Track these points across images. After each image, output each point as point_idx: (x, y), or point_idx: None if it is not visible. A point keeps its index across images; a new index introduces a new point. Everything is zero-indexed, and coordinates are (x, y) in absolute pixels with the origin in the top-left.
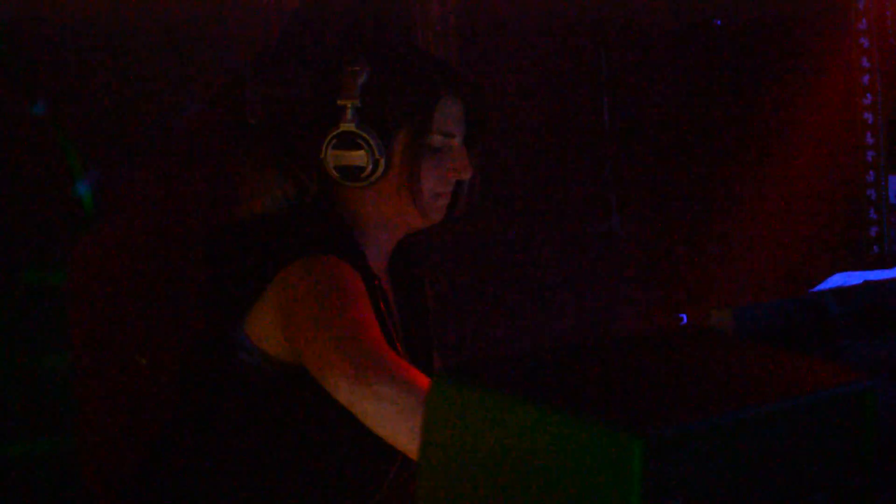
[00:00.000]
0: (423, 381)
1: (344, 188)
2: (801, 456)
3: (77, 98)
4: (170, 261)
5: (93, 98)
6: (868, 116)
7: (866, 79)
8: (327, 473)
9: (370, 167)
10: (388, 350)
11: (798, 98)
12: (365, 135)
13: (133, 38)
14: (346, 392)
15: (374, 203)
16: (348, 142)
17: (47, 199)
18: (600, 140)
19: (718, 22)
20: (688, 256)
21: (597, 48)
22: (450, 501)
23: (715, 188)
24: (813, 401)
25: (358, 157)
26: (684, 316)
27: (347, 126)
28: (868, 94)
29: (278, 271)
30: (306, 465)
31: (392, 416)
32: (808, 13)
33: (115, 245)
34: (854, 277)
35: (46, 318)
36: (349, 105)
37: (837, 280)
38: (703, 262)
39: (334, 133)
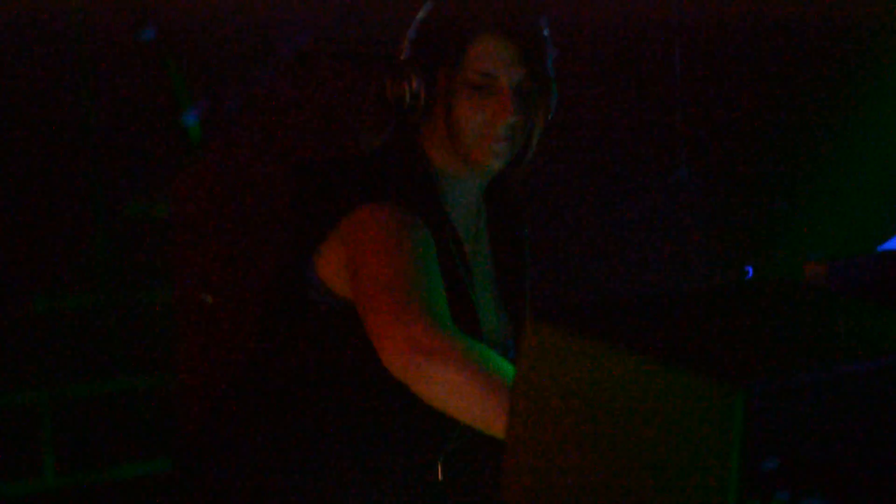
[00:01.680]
0: (479, 357)
1: (420, 132)
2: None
3: (187, 28)
4: (265, 196)
5: (202, 29)
6: None
7: None
8: (394, 417)
9: (409, 99)
10: (445, 326)
11: (868, 55)
12: (409, 67)
13: None
14: (397, 370)
15: (439, 146)
16: (399, 73)
17: (154, 128)
18: (670, 90)
19: None
20: (755, 209)
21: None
22: (542, 445)
23: (783, 141)
24: None
25: (402, 88)
26: (750, 269)
27: (402, 59)
28: None
29: (345, 215)
30: (372, 407)
31: (442, 397)
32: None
33: (217, 178)
34: None
35: (152, 251)
36: (406, 38)
37: None
38: (770, 216)
39: (390, 64)
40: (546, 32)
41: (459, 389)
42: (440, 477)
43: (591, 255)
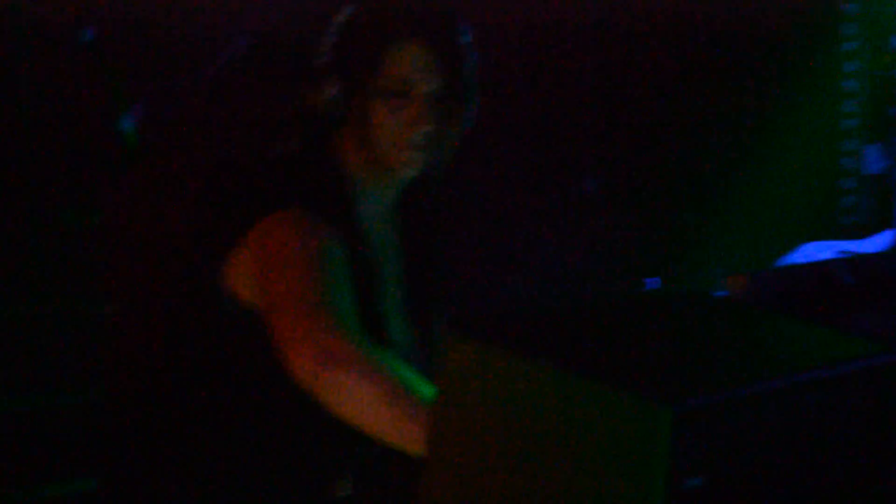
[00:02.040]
0: (388, 368)
1: (332, 136)
2: (827, 432)
3: (125, 29)
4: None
5: (139, 31)
6: (849, 84)
7: (850, 46)
8: (301, 428)
9: (325, 105)
10: (354, 335)
11: (780, 65)
12: (325, 71)
13: None
14: (304, 380)
15: (354, 152)
16: (314, 79)
17: (90, 133)
18: (578, 101)
19: None
20: (661, 220)
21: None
22: (463, 461)
23: (691, 154)
24: (841, 373)
25: (318, 93)
26: (657, 280)
27: (319, 63)
28: (851, 63)
29: (254, 223)
30: (284, 418)
31: (349, 409)
32: None
33: (148, 186)
34: (825, 247)
35: (85, 261)
36: (326, 42)
37: (808, 250)
38: (676, 227)
39: (307, 70)
40: (466, 39)
41: (367, 401)
42: (350, 491)
43: (499, 266)
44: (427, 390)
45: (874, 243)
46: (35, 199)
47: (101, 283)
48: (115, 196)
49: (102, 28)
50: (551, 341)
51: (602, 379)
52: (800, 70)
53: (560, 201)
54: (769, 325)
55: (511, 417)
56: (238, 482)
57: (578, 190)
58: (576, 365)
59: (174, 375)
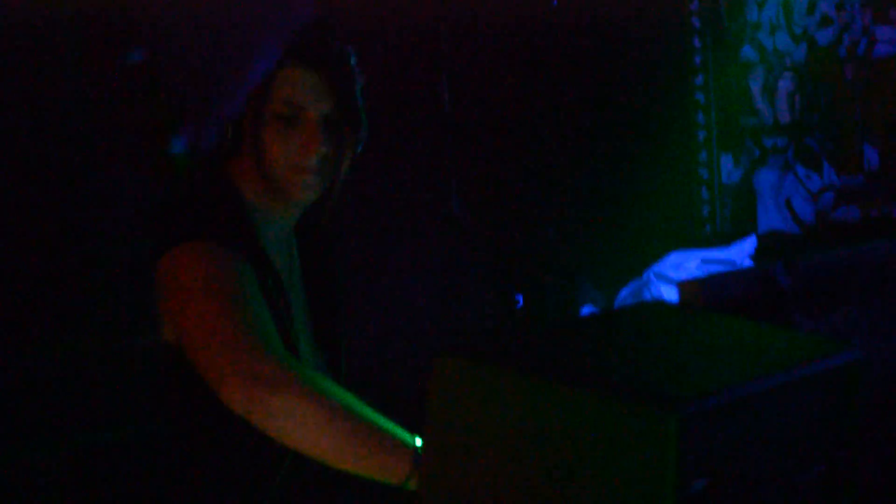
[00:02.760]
0: (322, 387)
1: (231, 165)
2: (799, 427)
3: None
4: None
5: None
6: (700, 96)
7: (698, 59)
8: (218, 461)
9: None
10: (282, 356)
11: (632, 81)
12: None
13: None
14: (241, 409)
15: (250, 179)
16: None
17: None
18: (440, 124)
19: (555, 2)
20: (525, 238)
21: (436, 30)
22: (461, 481)
23: (553, 170)
24: (814, 370)
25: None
26: (520, 297)
27: None
28: (700, 75)
29: (159, 257)
30: (197, 451)
31: (287, 429)
32: None
33: None
34: (689, 256)
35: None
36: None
37: (674, 259)
38: (540, 245)
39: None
40: (353, 61)
41: (305, 420)
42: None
43: (365, 288)
44: (363, 408)
45: (739, 250)
46: (81, 231)
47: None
48: None
49: (152, 49)
50: (544, 359)
51: (604, 390)
52: (655, 84)
53: (428, 221)
54: (738, 329)
55: (512, 436)
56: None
57: (445, 209)
58: (575, 379)
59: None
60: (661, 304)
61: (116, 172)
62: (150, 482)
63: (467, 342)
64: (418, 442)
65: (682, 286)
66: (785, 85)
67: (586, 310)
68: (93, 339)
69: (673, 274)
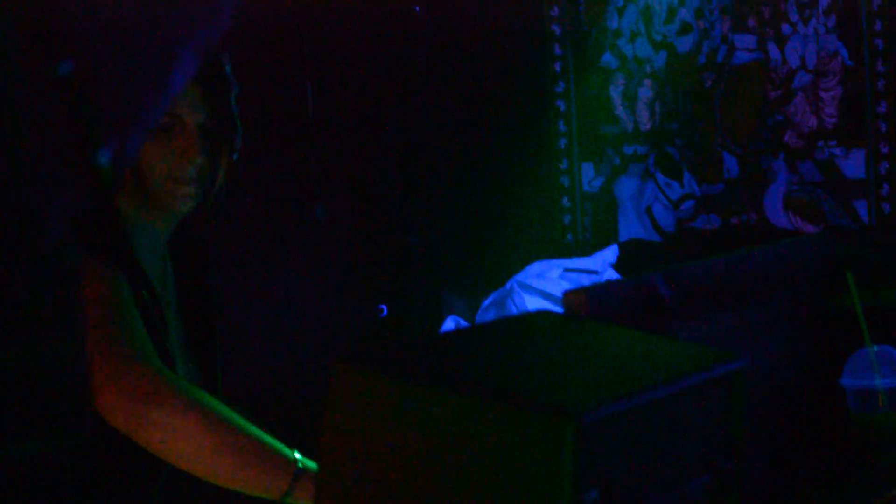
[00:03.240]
0: (203, 400)
1: None
2: (685, 437)
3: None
4: None
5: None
6: (560, 104)
7: (558, 66)
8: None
9: None
10: (161, 370)
11: (493, 87)
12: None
13: None
14: (121, 423)
15: (126, 191)
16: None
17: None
18: (303, 129)
19: (417, 8)
20: (389, 247)
21: (297, 35)
22: (357, 494)
23: (415, 178)
24: (701, 379)
25: None
26: (384, 307)
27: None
28: (560, 82)
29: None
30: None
31: (169, 443)
32: (504, 1)
33: None
34: (552, 265)
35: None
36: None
37: (537, 268)
38: (404, 253)
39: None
40: (228, 69)
41: (185, 433)
42: None
43: (230, 297)
44: (243, 422)
45: (601, 258)
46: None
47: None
48: None
49: (80, 61)
50: (438, 367)
51: (501, 398)
52: (516, 91)
53: (291, 228)
54: (625, 339)
55: (408, 445)
56: None
57: (309, 216)
58: (471, 387)
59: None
60: (548, 314)
61: (43, 185)
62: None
63: (362, 349)
64: (297, 456)
65: (567, 296)
66: (644, 93)
67: (450, 319)
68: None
69: (535, 283)
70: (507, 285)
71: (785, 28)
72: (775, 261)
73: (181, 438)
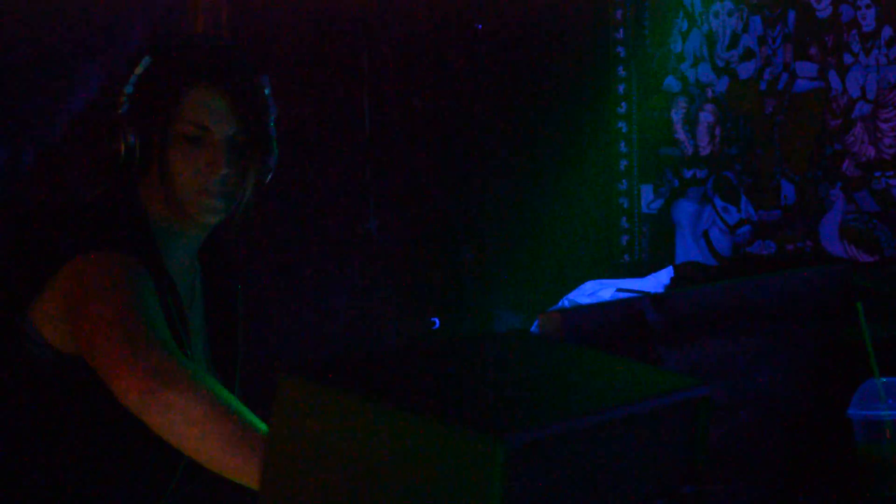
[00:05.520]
0: (215, 388)
1: (138, 185)
2: (641, 462)
3: None
4: None
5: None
6: (622, 125)
7: (622, 88)
8: (113, 471)
9: (124, 153)
10: (178, 355)
11: (555, 106)
12: (123, 121)
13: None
14: (134, 402)
15: (156, 200)
16: (114, 129)
17: None
18: (360, 144)
19: (480, 26)
20: (443, 261)
21: (358, 51)
22: (297, 501)
23: (471, 194)
24: (656, 405)
25: (117, 143)
26: (437, 320)
27: (118, 113)
28: (623, 104)
29: (64, 263)
30: (92, 461)
31: (179, 425)
32: (568, 21)
33: None
34: (605, 285)
35: None
36: (123, 94)
37: (590, 287)
38: (458, 268)
39: (106, 121)
40: (267, 91)
41: (194, 417)
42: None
43: (280, 308)
44: (252, 416)
45: (655, 280)
46: None
47: None
48: None
49: None
50: (384, 381)
51: (434, 415)
52: (578, 112)
53: (345, 241)
54: (588, 361)
55: (347, 458)
56: None
57: (363, 230)
58: (408, 402)
59: None
60: (524, 333)
61: None
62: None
63: (314, 363)
64: None
65: (543, 317)
66: (706, 117)
67: (565, 300)
68: None
69: (586, 302)
70: (559, 304)
71: (847, 58)
72: (784, 289)
73: (188, 422)
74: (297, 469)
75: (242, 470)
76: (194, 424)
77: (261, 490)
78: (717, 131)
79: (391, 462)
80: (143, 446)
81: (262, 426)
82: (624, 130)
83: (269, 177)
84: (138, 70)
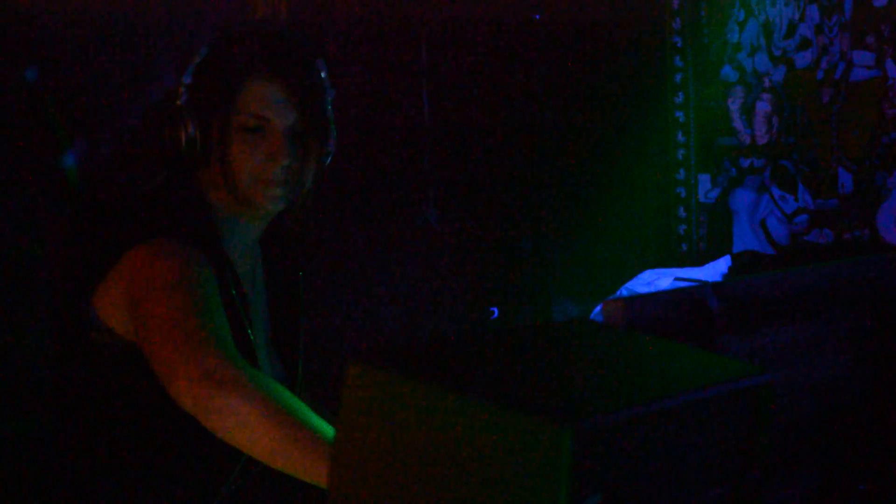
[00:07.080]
0: (271, 390)
1: (199, 172)
2: (704, 449)
3: (66, 69)
4: None
5: (82, 70)
6: (679, 115)
7: (679, 77)
8: (174, 459)
9: (185, 144)
10: (235, 357)
11: (612, 97)
12: (183, 112)
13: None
14: (189, 405)
15: (217, 189)
16: (174, 120)
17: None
18: (419, 133)
19: (537, 16)
20: (502, 251)
21: (417, 41)
22: (367, 490)
23: (530, 183)
24: (719, 392)
25: (177, 133)
26: (495, 309)
27: (177, 104)
28: (680, 93)
29: (124, 253)
30: (153, 447)
31: (232, 429)
32: (625, 12)
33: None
34: (663, 274)
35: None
36: (182, 84)
37: (647, 277)
38: (516, 257)
39: (166, 112)
40: (323, 74)
41: (247, 419)
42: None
43: (340, 298)
44: (308, 414)
45: (712, 269)
46: None
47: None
48: (57, 231)
49: (45, 67)
50: (451, 369)
51: (503, 402)
52: (636, 101)
53: (404, 230)
54: (652, 349)
55: (415, 444)
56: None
57: (422, 219)
58: (477, 390)
59: (60, 405)
60: (587, 322)
61: (10, 187)
62: (89, 478)
63: (383, 351)
64: None
65: (606, 305)
66: (763, 106)
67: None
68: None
69: (644, 291)
70: (617, 293)
71: None
72: (843, 277)
73: (243, 425)
74: (367, 454)
75: (301, 469)
76: (248, 428)
77: (330, 473)
78: (775, 120)
79: (460, 448)
80: (204, 434)
81: (321, 424)
82: (681, 120)
83: (329, 160)
84: (196, 59)
